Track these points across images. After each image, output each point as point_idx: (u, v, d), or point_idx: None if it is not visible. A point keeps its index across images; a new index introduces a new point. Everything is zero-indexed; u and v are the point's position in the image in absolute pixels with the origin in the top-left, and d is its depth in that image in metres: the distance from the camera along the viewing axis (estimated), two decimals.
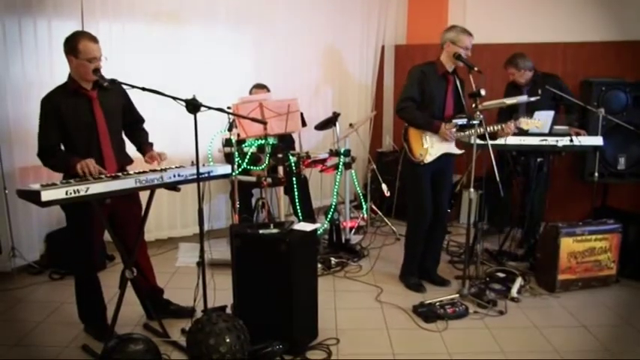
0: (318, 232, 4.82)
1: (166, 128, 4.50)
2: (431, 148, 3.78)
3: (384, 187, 5.18)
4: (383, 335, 3.33)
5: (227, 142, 4.34)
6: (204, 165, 3.20)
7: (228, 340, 2.62)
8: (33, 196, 2.53)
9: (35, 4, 4.02)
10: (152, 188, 2.95)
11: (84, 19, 4.22)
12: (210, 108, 2.79)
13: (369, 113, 6.11)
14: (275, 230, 3.08)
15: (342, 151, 4.72)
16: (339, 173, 4.72)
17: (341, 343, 3.22)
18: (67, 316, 3.48)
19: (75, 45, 2.91)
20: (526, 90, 4.52)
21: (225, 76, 5.12)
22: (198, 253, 4.48)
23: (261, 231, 3.08)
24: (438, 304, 3.61)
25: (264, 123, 3.12)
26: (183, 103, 2.77)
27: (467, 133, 3.78)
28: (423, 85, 3.75)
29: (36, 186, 2.59)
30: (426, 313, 3.53)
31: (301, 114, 4.57)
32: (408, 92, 3.78)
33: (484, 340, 3.26)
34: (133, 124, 3.35)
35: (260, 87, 4.91)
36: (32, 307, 3.71)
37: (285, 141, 4.82)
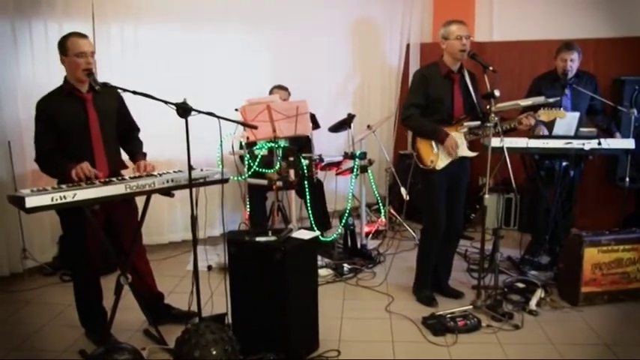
0: (333, 237, 4.71)
1: (174, 130, 4.44)
2: (442, 152, 3.59)
3: (402, 190, 5.03)
4: (387, 348, 3.18)
5: (241, 145, 4.27)
6: (201, 170, 3.14)
7: (214, 353, 2.53)
8: (19, 202, 2.50)
9: (45, 6, 4.04)
10: (143, 194, 2.88)
11: (95, 20, 4.22)
12: (200, 112, 2.70)
13: (390, 113, 5.94)
14: (272, 238, 2.97)
15: (357, 153, 4.57)
16: (354, 177, 4.58)
17: (342, 355, 3.09)
18: (71, 319, 3.44)
19: (64, 43, 2.92)
20: (569, 84, 4.20)
21: (243, 78, 5.05)
22: (210, 257, 4.49)
23: (257, 238, 2.97)
24: (449, 316, 3.42)
25: (253, 127, 3.01)
26: (174, 107, 2.69)
27: (480, 133, 3.58)
28: (427, 89, 3.56)
29: (26, 191, 2.57)
30: (435, 326, 3.35)
31: (313, 116, 4.45)
32: (411, 99, 3.61)
33: (493, 357, 3.06)
34: (127, 131, 3.29)
35: (281, 88, 4.81)
36: (39, 309, 3.73)
37: (301, 143, 4.71)
